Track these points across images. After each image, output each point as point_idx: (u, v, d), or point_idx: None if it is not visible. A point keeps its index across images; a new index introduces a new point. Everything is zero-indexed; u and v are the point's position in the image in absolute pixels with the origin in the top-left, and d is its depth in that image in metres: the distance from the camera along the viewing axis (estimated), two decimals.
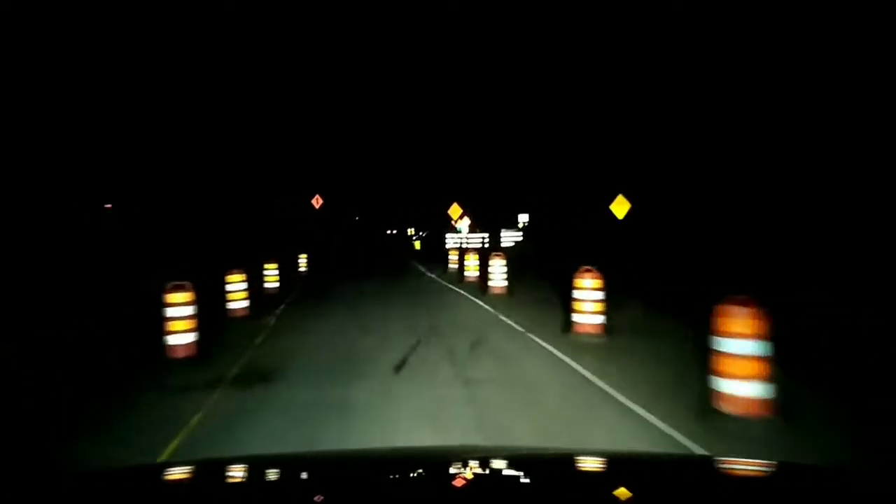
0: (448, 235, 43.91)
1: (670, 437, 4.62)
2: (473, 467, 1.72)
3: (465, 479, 1.63)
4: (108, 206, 24.11)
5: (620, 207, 24.68)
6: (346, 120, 53.17)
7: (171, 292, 7.51)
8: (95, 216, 23.12)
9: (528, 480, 1.67)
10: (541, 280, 16.40)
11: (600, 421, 5.07)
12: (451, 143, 55.58)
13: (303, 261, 21.80)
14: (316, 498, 1.47)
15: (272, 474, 1.78)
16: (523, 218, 50.94)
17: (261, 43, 38.80)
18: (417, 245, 47.97)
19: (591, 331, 8.54)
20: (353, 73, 56.80)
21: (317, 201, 36.03)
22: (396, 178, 60.49)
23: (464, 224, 42.38)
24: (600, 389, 6.03)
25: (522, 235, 46.24)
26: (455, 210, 41.89)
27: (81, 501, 1.45)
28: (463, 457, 1.91)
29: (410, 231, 49.83)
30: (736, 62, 22.07)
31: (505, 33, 43.84)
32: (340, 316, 11.48)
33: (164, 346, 7.45)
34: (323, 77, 51.46)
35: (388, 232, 55.10)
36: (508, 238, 45.00)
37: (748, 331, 4.82)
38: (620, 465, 1.85)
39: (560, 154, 42.92)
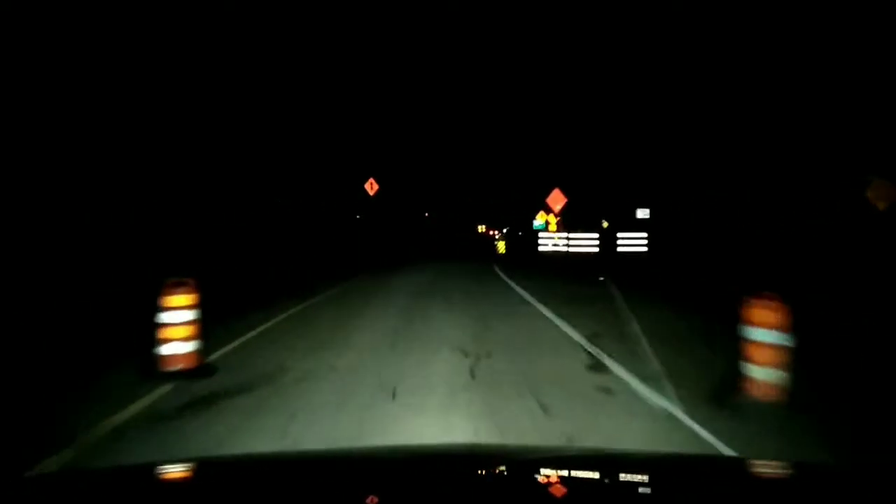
0: (543, 235, 29.77)
1: None
2: (482, 467, 1.64)
3: (474, 479, 1.52)
4: None
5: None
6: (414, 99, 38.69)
7: None
8: None
9: (535, 480, 1.55)
10: None
11: None
12: (543, 115, 39.80)
13: (176, 320, 5.30)
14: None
15: (275, 475, 1.55)
16: (642, 213, 34.39)
17: (324, 28, 29.28)
18: (502, 247, 32.67)
19: None
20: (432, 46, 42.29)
21: (371, 186, 25.78)
22: (472, 161, 45.77)
23: (550, 220, 30.48)
24: None
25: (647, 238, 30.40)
26: (556, 198, 27.17)
27: (79, 501, 1.35)
28: (470, 456, 1.86)
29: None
30: None
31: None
32: None
33: None
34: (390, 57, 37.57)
35: (488, 231, 38.63)
36: (628, 242, 29.39)
37: None
38: (630, 465, 1.72)
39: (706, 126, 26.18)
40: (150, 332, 5.34)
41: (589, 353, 6.44)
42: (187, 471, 1.65)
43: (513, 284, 14.02)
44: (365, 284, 13.97)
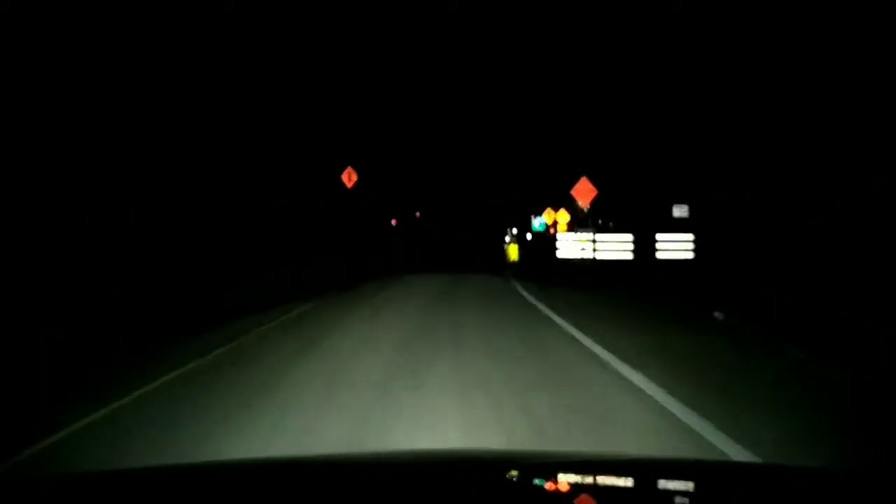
0: (563, 236, 24.72)
1: None
2: (486, 471, 1.56)
3: (477, 484, 1.45)
4: None
5: None
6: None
7: None
8: None
9: (542, 486, 1.49)
10: None
11: None
12: (553, 95, 33.40)
13: None
14: None
15: (276, 479, 1.48)
16: (680, 211, 29.10)
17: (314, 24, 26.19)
18: (514, 253, 26.31)
19: None
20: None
21: (348, 177, 22.02)
22: (474, 158, 39.81)
23: (560, 220, 26.54)
24: None
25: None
26: (584, 189, 22.01)
27: (80, 502, 1.33)
28: (474, 461, 1.79)
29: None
30: None
31: None
32: None
33: None
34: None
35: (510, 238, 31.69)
36: (669, 246, 24.12)
37: None
38: (634, 470, 1.66)
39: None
40: None
41: None
42: (184, 474, 1.57)
43: (574, 332, 7.12)
44: (284, 343, 7.06)
